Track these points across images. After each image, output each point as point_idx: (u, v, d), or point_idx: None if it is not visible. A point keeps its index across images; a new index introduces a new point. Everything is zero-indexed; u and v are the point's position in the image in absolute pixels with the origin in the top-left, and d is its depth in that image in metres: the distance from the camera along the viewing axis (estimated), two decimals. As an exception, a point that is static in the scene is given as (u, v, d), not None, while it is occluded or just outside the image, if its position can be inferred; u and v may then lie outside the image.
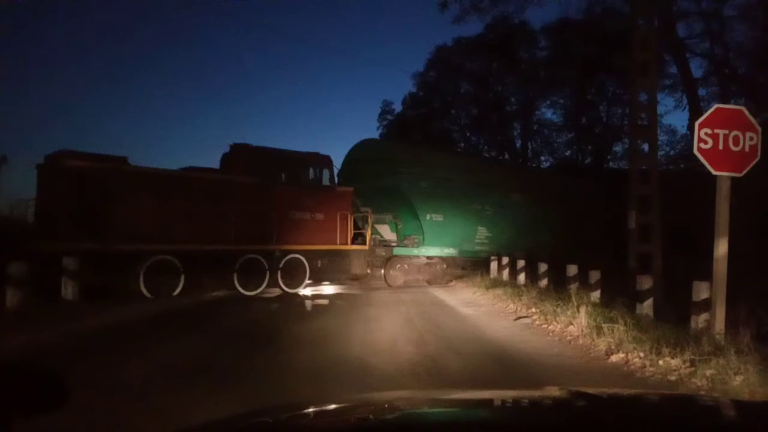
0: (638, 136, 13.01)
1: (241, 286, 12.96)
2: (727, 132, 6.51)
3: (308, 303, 12.41)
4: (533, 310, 10.33)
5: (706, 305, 6.79)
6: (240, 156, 13.80)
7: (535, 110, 37.92)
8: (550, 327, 8.86)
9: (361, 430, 1.57)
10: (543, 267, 13.56)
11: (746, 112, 6.74)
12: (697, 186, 9.28)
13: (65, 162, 11.33)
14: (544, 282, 13.06)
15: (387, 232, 16.95)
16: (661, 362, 6.02)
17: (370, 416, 1.69)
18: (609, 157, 35.00)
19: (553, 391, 1.89)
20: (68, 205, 11.02)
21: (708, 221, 6.69)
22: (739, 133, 6.53)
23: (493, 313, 11.04)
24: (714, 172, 6.54)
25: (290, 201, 13.87)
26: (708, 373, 5.39)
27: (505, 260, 16.46)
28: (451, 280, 17.63)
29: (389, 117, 44.59)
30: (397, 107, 43.88)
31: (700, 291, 7.04)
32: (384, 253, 16.55)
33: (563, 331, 8.35)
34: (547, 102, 37.42)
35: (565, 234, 19.06)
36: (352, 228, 15.07)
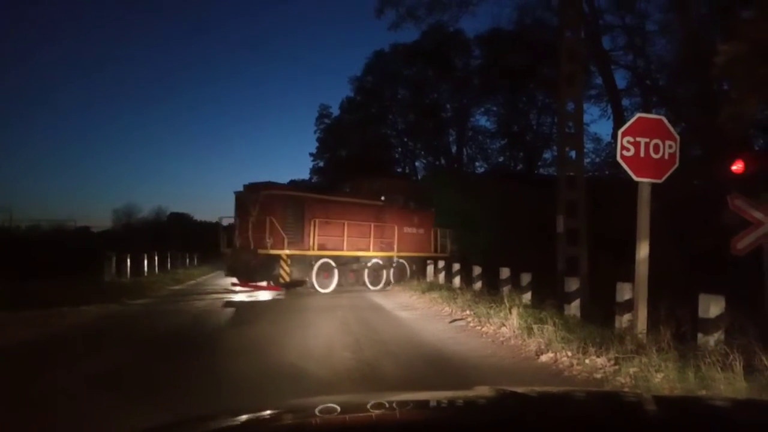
0: (566, 143, 13.49)
1: (369, 283, 17.09)
2: (648, 140, 6.83)
3: (242, 308, 12.14)
4: (468, 312, 10.50)
5: (629, 306, 7.10)
6: (362, 183, 18.69)
7: (469, 117, 38.79)
8: (483, 329, 9.03)
9: None
10: (477, 270, 13.83)
11: (666, 122, 7.09)
12: (620, 192, 9.70)
13: (270, 191, 15.50)
14: (478, 285, 13.32)
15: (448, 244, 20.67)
16: (587, 361, 6.24)
17: (305, 421, 1.67)
18: (539, 163, 36.22)
19: (484, 391, 1.92)
20: (275, 222, 14.80)
21: (630, 226, 6.99)
22: (660, 142, 6.87)
23: (429, 316, 11.15)
24: (636, 179, 6.84)
25: (403, 219, 18.39)
26: (631, 370, 5.63)
27: (441, 264, 16.77)
28: (388, 285, 17.74)
29: (327, 121, 44.53)
30: (335, 111, 43.86)
31: (624, 292, 7.36)
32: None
33: (496, 333, 8.53)
34: (481, 109, 38.39)
35: (499, 237, 19.84)
36: (437, 240, 19.44)
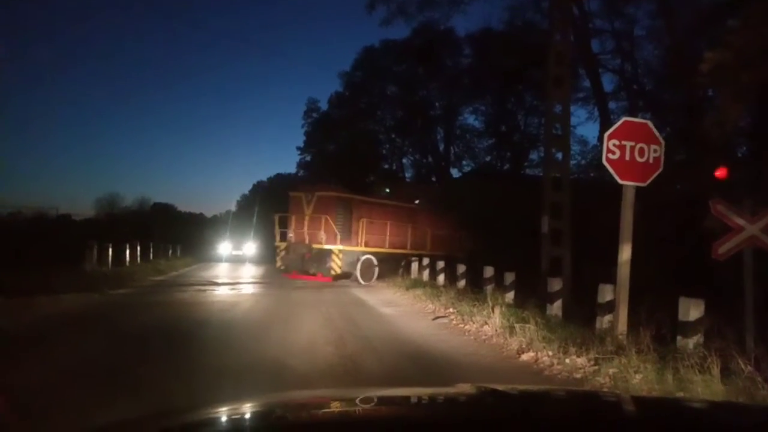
0: (552, 145, 13.59)
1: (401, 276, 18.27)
2: (633, 144, 6.90)
3: (226, 301, 12.07)
4: (451, 310, 10.55)
5: (611, 307, 7.17)
6: (399, 187, 21.82)
7: (458, 116, 38.79)
8: (466, 327, 9.07)
9: (277, 429, 1.54)
10: (461, 268, 13.88)
11: (651, 126, 7.16)
12: (605, 194, 9.80)
13: (324, 192, 17.44)
14: (462, 283, 13.36)
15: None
16: (567, 360, 6.30)
17: (287, 414, 1.66)
18: (526, 164, 36.33)
19: (465, 388, 1.93)
20: (329, 220, 16.70)
21: (614, 228, 7.05)
22: (644, 146, 6.94)
23: (412, 313, 11.17)
24: (620, 181, 6.90)
25: (434, 221, 20.53)
26: (611, 371, 5.69)
27: (426, 261, 16.84)
28: (372, 280, 17.80)
29: (315, 115, 44.31)
30: (323, 106, 43.69)
31: (605, 293, 7.43)
32: None
33: (478, 331, 8.58)
34: (469, 108, 38.36)
35: (485, 237, 20.02)
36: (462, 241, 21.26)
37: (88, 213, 50.87)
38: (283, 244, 18.26)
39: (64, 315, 9.23)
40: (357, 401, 1.91)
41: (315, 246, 16.80)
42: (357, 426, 1.56)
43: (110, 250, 16.97)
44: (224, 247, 31.79)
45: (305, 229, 17.25)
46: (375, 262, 18.03)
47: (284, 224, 18.28)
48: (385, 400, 1.99)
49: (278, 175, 55.36)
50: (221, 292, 13.88)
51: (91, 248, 16.26)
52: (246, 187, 72.87)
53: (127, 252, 18.54)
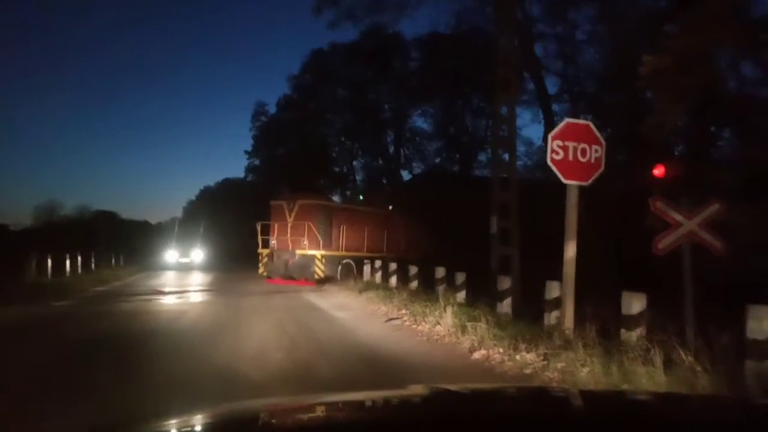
0: (499, 146, 13.84)
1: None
2: (576, 144, 7.09)
3: (173, 310, 11.75)
4: (403, 311, 10.58)
5: (558, 303, 7.34)
6: (374, 194, 22.64)
7: (407, 118, 39.03)
8: (419, 327, 9.12)
9: None
10: (413, 269, 13.94)
11: (593, 127, 7.38)
12: (550, 194, 10.03)
13: (306, 200, 18.54)
14: (414, 284, 13.42)
15: None
16: (518, 357, 6.42)
17: (240, 424, 1.62)
18: (474, 165, 36.86)
19: (418, 390, 1.93)
20: (312, 226, 17.64)
21: (560, 226, 7.22)
22: (587, 146, 7.14)
23: (365, 315, 11.16)
24: (564, 181, 7.08)
25: (407, 225, 21.63)
26: (559, 365, 5.83)
27: (378, 263, 16.87)
28: (324, 285, 17.69)
29: (263, 119, 43.85)
30: (272, 109, 43.28)
31: (552, 290, 7.60)
32: None
33: (431, 331, 8.64)
34: (418, 111, 38.68)
35: (437, 238, 20.30)
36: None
37: (26, 221, 48.84)
38: (265, 251, 19.07)
39: (5, 328, 8.80)
40: (310, 408, 1.89)
41: (298, 252, 17.70)
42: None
43: (50, 260, 16.29)
44: (171, 255, 30.92)
45: (288, 236, 18.12)
46: (353, 265, 18.71)
47: (266, 232, 18.97)
48: (338, 405, 1.97)
49: (226, 180, 54.49)
50: (168, 301, 13.50)
51: (31, 259, 15.58)
52: (193, 193, 71.47)
53: (68, 262, 17.84)
